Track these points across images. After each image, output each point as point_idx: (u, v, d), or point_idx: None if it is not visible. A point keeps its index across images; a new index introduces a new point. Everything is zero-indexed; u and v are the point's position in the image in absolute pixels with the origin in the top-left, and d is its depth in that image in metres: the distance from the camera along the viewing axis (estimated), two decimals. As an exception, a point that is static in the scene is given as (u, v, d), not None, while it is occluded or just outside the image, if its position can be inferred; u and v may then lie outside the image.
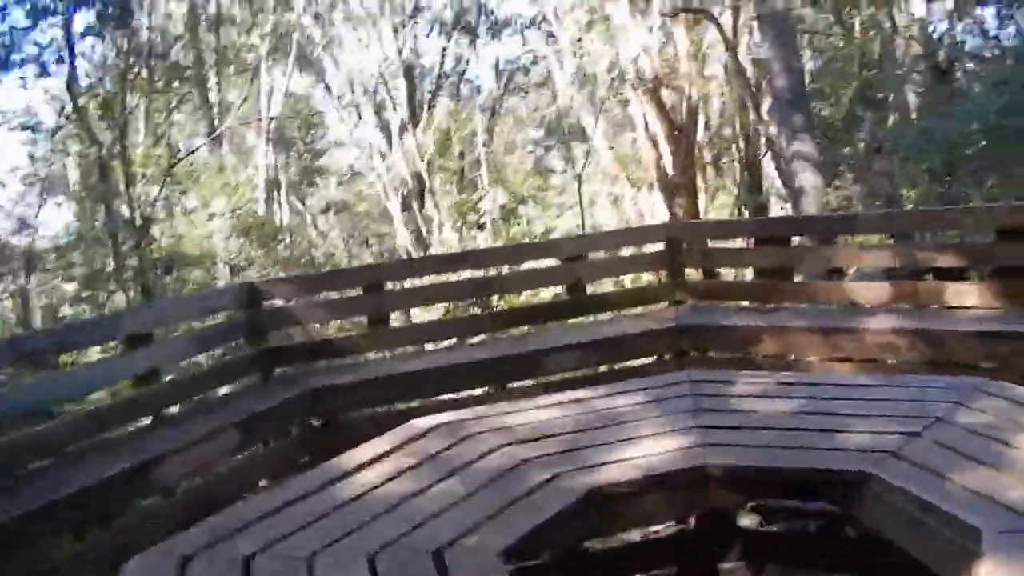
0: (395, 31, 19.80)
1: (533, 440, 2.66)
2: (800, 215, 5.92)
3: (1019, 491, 1.95)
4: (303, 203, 25.02)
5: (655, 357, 4.56)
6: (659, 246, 4.94)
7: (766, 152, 10.92)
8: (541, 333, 4.70)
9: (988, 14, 17.59)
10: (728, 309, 4.76)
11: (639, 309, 5.10)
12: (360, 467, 2.54)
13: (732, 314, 4.56)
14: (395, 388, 4.07)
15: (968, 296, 4.08)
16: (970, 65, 15.87)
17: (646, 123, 11.19)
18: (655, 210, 12.13)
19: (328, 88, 21.80)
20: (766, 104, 10.27)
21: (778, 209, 13.67)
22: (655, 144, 11.14)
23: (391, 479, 2.43)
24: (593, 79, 14.27)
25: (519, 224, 20.81)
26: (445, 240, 19.70)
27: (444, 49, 22.58)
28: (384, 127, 21.66)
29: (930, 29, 17.59)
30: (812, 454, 2.36)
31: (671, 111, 10.82)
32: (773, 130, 9.91)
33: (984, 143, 9.41)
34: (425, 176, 20.56)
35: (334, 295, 4.97)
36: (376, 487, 2.34)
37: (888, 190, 6.97)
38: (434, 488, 2.33)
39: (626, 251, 5.13)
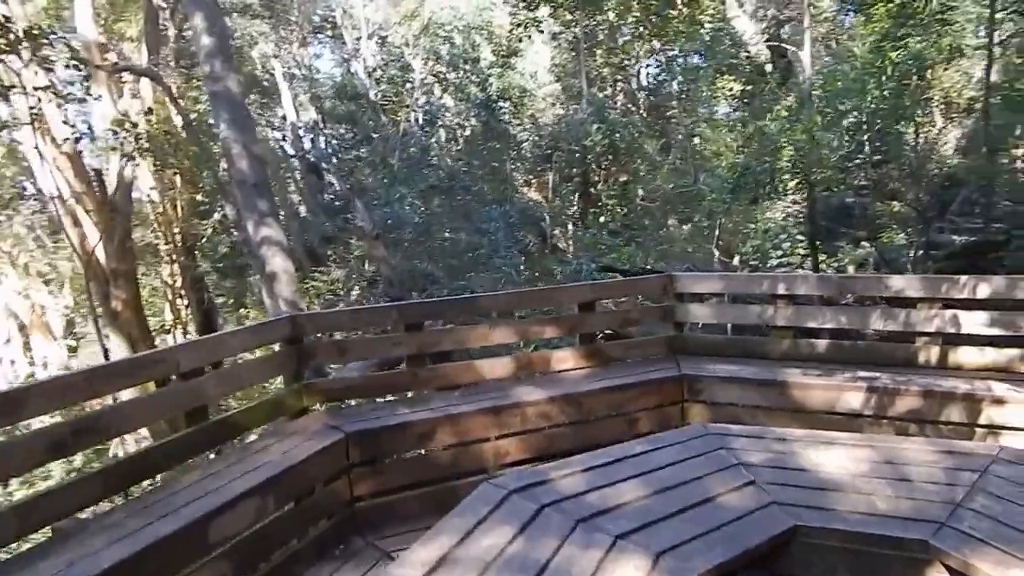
0: None
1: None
2: (433, 299, 5.69)
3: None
4: None
5: (327, 481, 3.70)
6: (282, 345, 4.07)
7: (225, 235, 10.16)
8: (170, 488, 3.17)
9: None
10: (374, 407, 4.28)
11: (260, 429, 4.04)
12: None
13: (389, 411, 4.12)
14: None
15: (566, 360, 4.84)
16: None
17: (60, 195, 8.89)
18: (69, 303, 9.62)
19: None
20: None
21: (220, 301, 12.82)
22: (75, 222, 8.94)
23: None
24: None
25: None
26: None
27: None
28: None
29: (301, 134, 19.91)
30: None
31: (97, 181, 8.89)
32: (231, 212, 9.34)
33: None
34: None
35: None
36: None
37: (387, 272, 7.52)
38: None
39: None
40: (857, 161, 9.18)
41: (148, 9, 11.45)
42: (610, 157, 14.99)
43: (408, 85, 19.46)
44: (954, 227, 11.17)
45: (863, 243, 11.85)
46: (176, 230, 10.65)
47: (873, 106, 6.92)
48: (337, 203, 18.22)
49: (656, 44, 20.59)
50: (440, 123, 18.20)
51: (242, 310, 15.44)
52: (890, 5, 10.97)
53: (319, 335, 4.25)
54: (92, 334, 12.36)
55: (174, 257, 10.58)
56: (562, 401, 4.31)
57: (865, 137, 8.01)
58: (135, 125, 8.56)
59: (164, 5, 11.81)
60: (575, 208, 16.55)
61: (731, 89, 18.77)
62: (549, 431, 4.28)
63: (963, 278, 4.38)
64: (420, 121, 19.13)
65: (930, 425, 4.08)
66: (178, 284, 10.62)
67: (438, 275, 9.16)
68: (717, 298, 5.07)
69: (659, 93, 21.97)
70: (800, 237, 9.95)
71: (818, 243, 8.20)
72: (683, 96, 18.66)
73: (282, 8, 19.69)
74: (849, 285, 4.73)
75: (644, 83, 22.46)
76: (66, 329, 11.88)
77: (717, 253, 8.43)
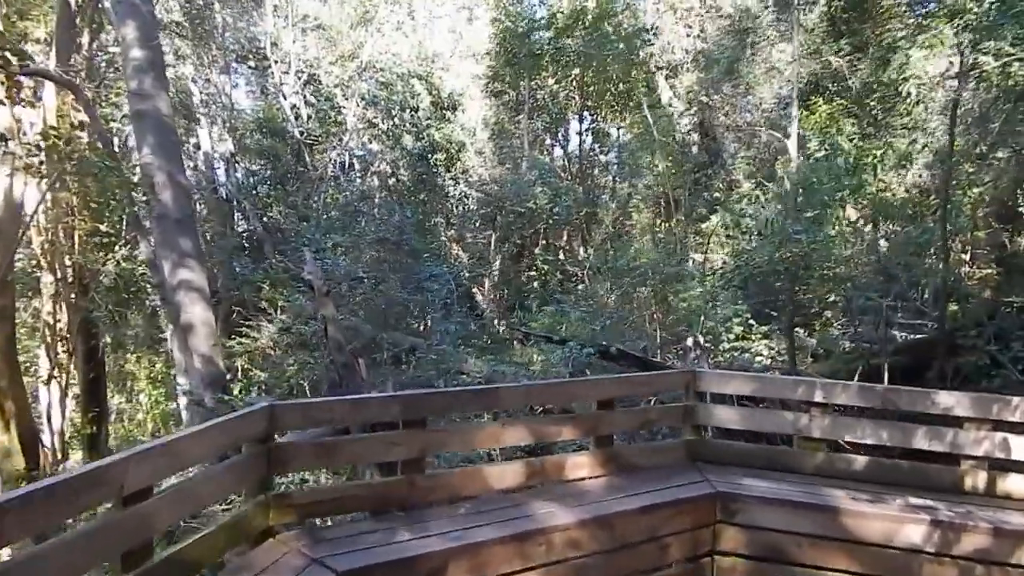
0: None
1: None
2: (441, 390, 4.63)
3: None
4: None
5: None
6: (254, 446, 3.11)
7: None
8: None
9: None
10: (363, 527, 3.35)
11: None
12: None
13: (384, 536, 3.21)
14: None
15: (582, 467, 4.12)
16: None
17: (-72, 210, 7.29)
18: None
19: None
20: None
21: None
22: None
23: None
24: None
25: None
26: None
27: None
28: None
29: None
30: None
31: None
32: (146, 249, 7.99)
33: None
34: None
35: None
36: None
37: (335, 335, 6.54)
38: None
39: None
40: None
41: (62, 10, 10.09)
42: (550, 222, 14.64)
43: (338, 127, 18.55)
44: (887, 321, 11.45)
45: (797, 330, 11.95)
46: (68, 263, 9.04)
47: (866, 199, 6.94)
48: (247, 245, 16.74)
49: (589, 116, 20.98)
50: (372, 170, 17.33)
51: (129, 355, 13.55)
52: (832, 104, 11.45)
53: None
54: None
55: (61, 293, 8.91)
56: (593, 525, 3.56)
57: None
58: (48, 138, 7.20)
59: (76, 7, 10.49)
60: (508, 272, 16.00)
61: (656, 165, 19.19)
62: (577, 561, 3.51)
63: (1016, 399, 4.08)
64: (348, 165, 18.20)
65: (998, 567, 3.66)
66: (61, 325, 8.93)
67: (379, 336, 8.20)
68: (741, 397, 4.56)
69: (591, 162, 22.23)
70: (751, 322, 9.82)
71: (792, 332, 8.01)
72: (619, 168, 18.87)
73: (206, 31, 18.41)
74: (893, 398, 4.34)
75: (575, 151, 22.69)
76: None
77: (700, 339, 8.06)
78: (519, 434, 3.91)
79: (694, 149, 19.39)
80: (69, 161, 7.74)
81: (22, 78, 8.42)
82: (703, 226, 16.76)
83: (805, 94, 13.98)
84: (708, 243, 14.93)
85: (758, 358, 9.84)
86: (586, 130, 22.17)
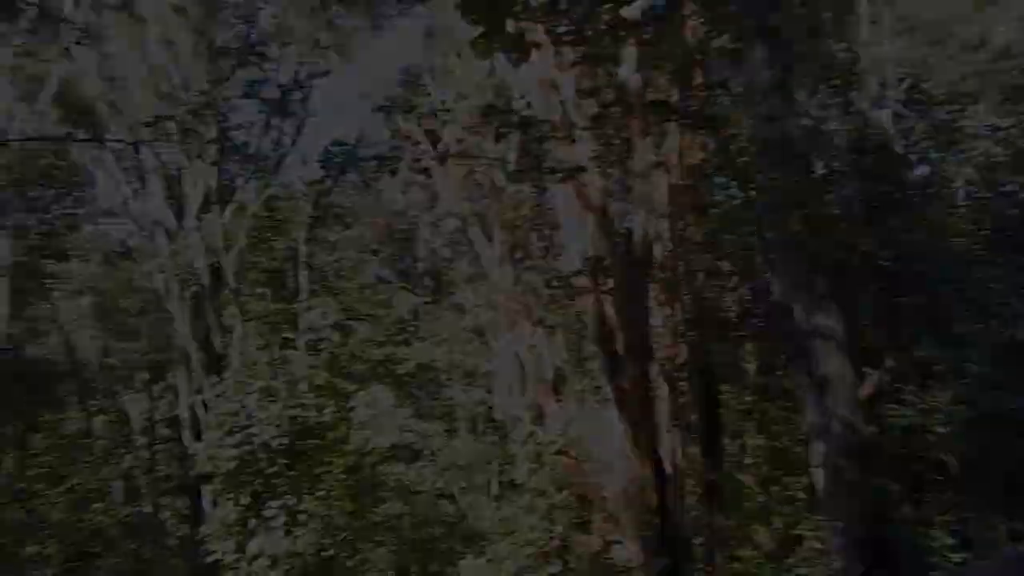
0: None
1: None
2: None
3: None
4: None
5: None
6: None
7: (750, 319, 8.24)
8: None
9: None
10: None
11: None
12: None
13: None
14: None
15: None
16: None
17: (589, 255, 7.97)
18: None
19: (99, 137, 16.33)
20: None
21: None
22: (596, 287, 7.86)
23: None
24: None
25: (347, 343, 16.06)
26: (248, 356, 14.71)
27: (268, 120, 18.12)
28: (176, 199, 16.45)
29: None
30: None
31: (624, 241, 7.79)
32: (778, 287, 7.28)
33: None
34: (228, 271, 15.53)
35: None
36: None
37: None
38: None
39: None
40: None
41: (684, 52, 10.35)
42: None
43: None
44: None
45: None
46: (687, 298, 9.04)
47: None
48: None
49: None
50: None
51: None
52: None
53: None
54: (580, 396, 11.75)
55: (679, 331, 8.90)
56: None
57: None
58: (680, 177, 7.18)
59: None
60: None
61: None
62: None
63: None
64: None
65: None
66: (679, 362, 8.97)
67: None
68: None
69: None
70: None
71: None
72: None
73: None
74: None
75: None
76: (557, 384, 11.52)
77: None
78: None
79: None
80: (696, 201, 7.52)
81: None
82: None
83: None
84: None
85: None
86: None
